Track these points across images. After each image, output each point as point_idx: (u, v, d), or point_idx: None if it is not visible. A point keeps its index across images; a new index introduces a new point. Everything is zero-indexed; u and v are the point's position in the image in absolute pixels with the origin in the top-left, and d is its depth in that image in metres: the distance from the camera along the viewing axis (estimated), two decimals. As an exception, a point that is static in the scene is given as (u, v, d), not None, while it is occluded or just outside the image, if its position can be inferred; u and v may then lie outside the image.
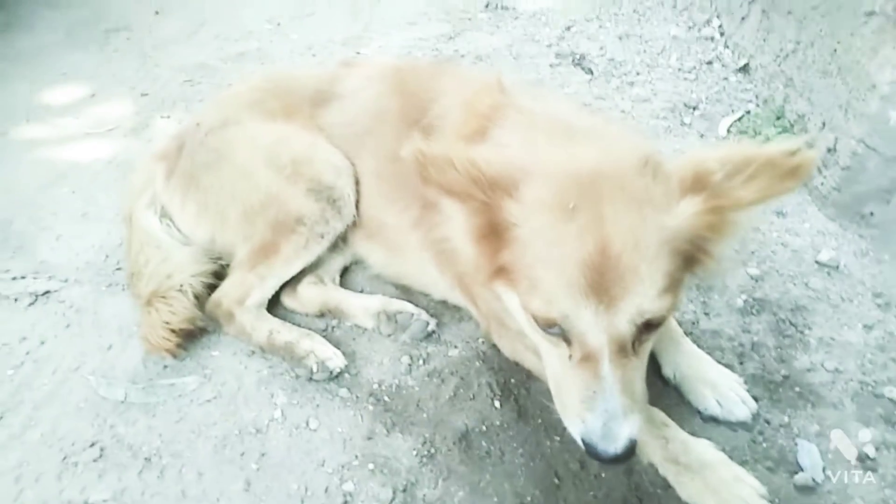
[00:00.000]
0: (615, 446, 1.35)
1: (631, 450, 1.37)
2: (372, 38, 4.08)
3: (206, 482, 1.75)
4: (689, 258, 1.40)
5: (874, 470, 1.72)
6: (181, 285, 2.13)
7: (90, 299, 2.29)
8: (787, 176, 1.30)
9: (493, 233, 1.45)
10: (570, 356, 1.42)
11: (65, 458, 1.81)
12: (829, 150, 2.50)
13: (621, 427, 1.35)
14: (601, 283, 1.31)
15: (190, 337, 2.11)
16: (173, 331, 2.05)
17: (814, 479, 1.70)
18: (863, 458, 1.75)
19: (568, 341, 1.41)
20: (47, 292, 2.31)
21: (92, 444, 1.84)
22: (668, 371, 1.92)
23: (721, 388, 1.85)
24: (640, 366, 1.45)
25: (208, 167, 2.20)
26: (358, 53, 3.93)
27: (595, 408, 1.37)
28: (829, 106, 2.54)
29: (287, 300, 2.26)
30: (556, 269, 1.35)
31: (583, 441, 1.41)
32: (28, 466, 1.79)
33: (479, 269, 1.57)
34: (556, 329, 1.41)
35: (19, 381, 2.02)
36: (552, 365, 1.52)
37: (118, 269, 2.41)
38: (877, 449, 1.76)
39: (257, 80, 2.50)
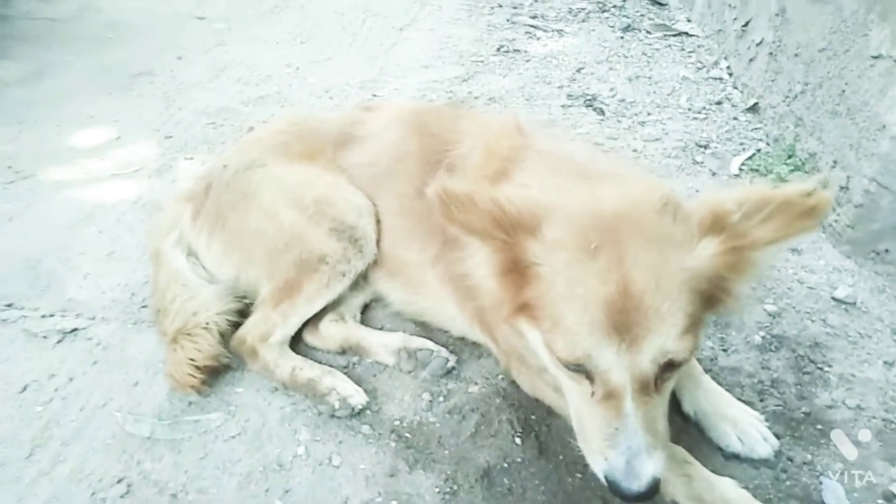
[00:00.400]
0: (639, 483, 1.36)
1: (655, 487, 1.38)
2: (387, 81, 4.19)
3: (232, 519, 1.76)
4: (709, 298, 1.42)
5: (901, 509, 1.72)
6: (206, 323, 2.17)
7: (117, 336, 2.33)
8: (804, 216, 1.33)
9: (516, 270, 1.48)
10: (593, 393, 1.44)
11: (93, 494, 1.82)
12: (841, 189, 2.54)
13: (644, 464, 1.37)
14: (624, 323, 1.33)
15: (214, 374, 2.14)
16: (198, 367, 2.08)
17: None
18: (889, 498, 1.74)
19: (590, 378, 1.43)
20: (75, 330, 2.36)
21: (119, 481, 1.85)
22: (688, 408, 1.92)
23: (742, 425, 1.86)
24: (661, 404, 1.46)
25: (234, 207, 2.26)
26: (374, 96, 4.04)
27: (618, 445, 1.38)
28: (839, 145, 2.59)
29: (309, 337, 2.29)
30: (578, 308, 1.38)
31: (606, 478, 1.42)
32: (57, 502, 1.81)
33: (500, 306, 1.60)
34: (578, 367, 1.43)
35: (48, 417, 2.05)
36: (574, 401, 1.53)
37: (143, 306, 2.46)
38: (903, 487, 1.76)
39: (281, 123, 2.59)
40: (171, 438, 1.97)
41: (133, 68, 4.44)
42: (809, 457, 1.85)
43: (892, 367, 2.08)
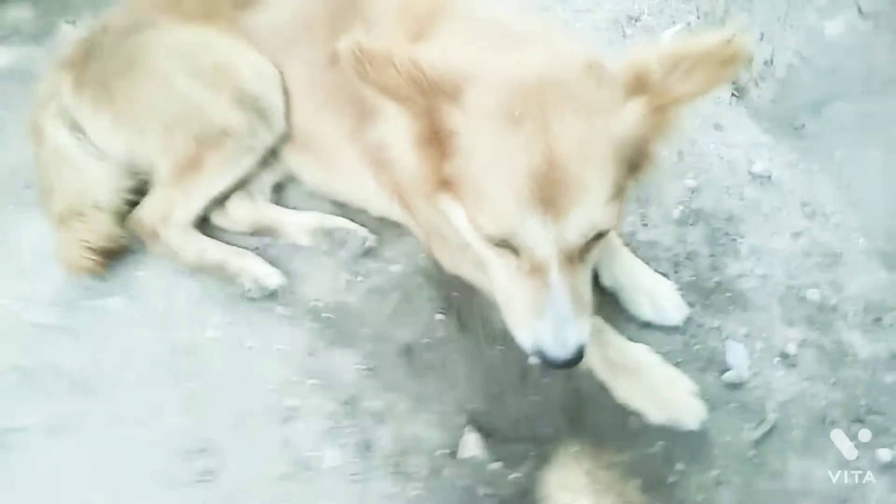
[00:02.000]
0: (566, 351, 1.37)
1: (580, 354, 1.39)
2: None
3: (141, 404, 1.71)
4: (633, 163, 1.39)
5: (794, 366, 1.84)
6: (98, 202, 2.00)
7: (1, 221, 2.13)
8: (723, 65, 1.29)
9: (436, 141, 1.39)
10: (519, 267, 1.41)
11: (-13, 384, 1.71)
12: (765, 63, 2.52)
13: (570, 333, 1.37)
14: (549, 196, 1.28)
15: (111, 256, 2.00)
16: (92, 249, 1.94)
17: (740, 377, 1.80)
18: (785, 356, 1.86)
19: (516, 252, 1.39)
20: (-49, 215, 2.13)
21: (14, 369, 1.74)
22: (606, 280, 1.94)
23: (656, 296, 1.91)
24: (586, 273, 1.46)
25: (121, 75, 2.02)
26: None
27: (545, 315, 1.38)
28: (767, 18, 2.54)
29: (217, 218, 2.15)
30: (502, 182, 1.32)
31: (533, 348, 1.42)
32: (-56, 394, 1.69)
33: (420, 180, 1.51)
34: (504, 242, 1.38)
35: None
36: (499, 277, 1.50)
37: (27, 187, 2.23)
38: (798, 347, 1.87)
39: (173, -23, 2.28)
40: (68, 325, 1.86)
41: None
42: (717, 323, 1.93)
43: (799, 238, 2.16)
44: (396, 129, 1.46)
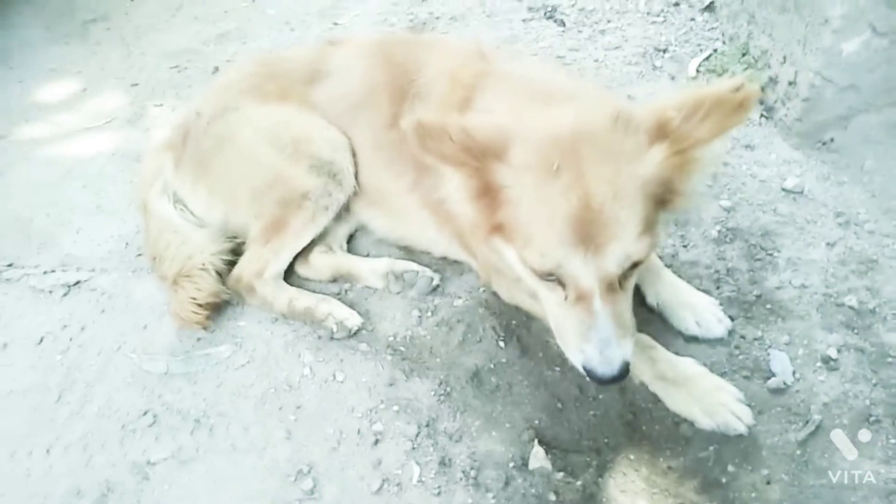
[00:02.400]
0: (612, 368, 1.58)
1: (625, 370, 1.60)
2: (347, 8, 4.15)
3: (252, 435, 1.98)
4: (662, 199, 1.59)
5: (836, 370, 1.96)
6: (203, 264, 2.31)
7: (119, 285, 2.48)
8: (735, 110, 1.47)
9: (488, 193, 1.63)
10: (566, 297, 1.62)
11: (123, 427, 2.03)
12: (790, 84, 2.67)
13: (615, 352, 1.58)
14: (588, 234, 1.50)
15: (216, 309, 2.30)
16: (200, 305, 2.24)
17: (784, 383, 1.94)
18: (826, 360, 1.99)
19: (563, 285, 1.61)
20: (78, 282, 2.49)
21: (145, 413, 2.06)
22: (651, 300, 2.13)
23: (699, 311, 2.07)
24: (626, 298, 1.66)
25: (214, 153, 2.35)
26: (335, 24, 4.01)
27: (591, 339, 1.59)
28: (788, 41, 2.70)
29: (301, 269, 2.45)
30: (546, 224, 1.54)
31: (584, 368, 1.63)
32: (92, 436, 2.02)
33: (477, 227, 1.76)
34: (551, 276, 1.61)
35: (69, 364, 2.22)
36: (550, 307, 1.72)
37: (139, 255, 2.58)
38: (839, 351, 2.00)
39: (250, 65, 2.62)
40: (185, 372, 2.16)
41: (85, 14, 4.36)
42: (759, 333, 2.08)
43: (834, 248, 2.29)
44: (454, 187, 1.72)
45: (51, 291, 2.47)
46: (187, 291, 2.25)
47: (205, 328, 2.25)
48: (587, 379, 1.65)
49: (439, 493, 1.81)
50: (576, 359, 1.66)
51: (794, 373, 1.97)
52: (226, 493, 1.86)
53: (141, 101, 3.50)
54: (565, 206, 1.50)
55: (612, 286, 1.58)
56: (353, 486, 1.84)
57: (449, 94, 2.04)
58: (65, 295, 2.46)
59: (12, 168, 3.10)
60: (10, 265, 2.59)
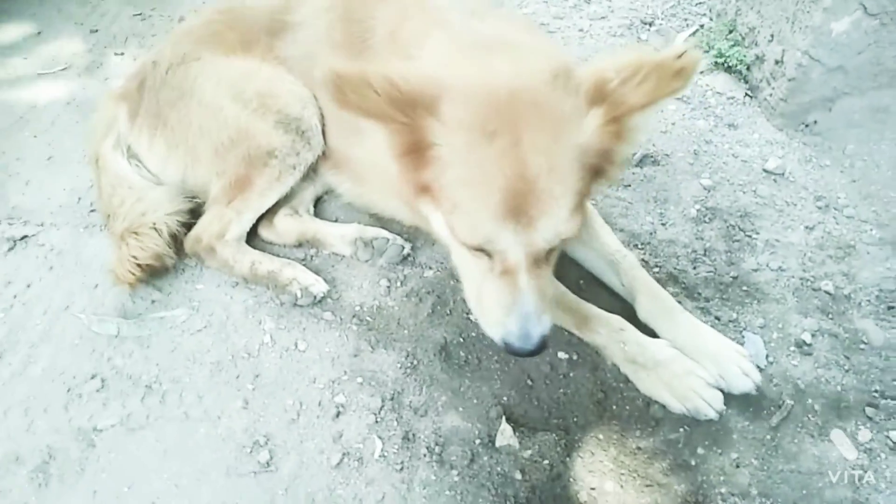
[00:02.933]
0: (531, 343, 1.51)
1: (544, 343, 1.54)
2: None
3: (207, 403, 1.88)
4: (595, 170, 1.50)
5: (809, 354, 1.94)
6: (154, 223, 2.18)
7: (69, 241, 2.33)
8: (674, 77, 1.37)
9: (416, 150, 1.48)
10: (491, 269, 1.53)
11: (69, 391, 1.91)
12: (776, 63, 2.61)
13: (535, 328, 1.51)
14: (521, 207, 1.40)
15: (154, 273, 2.17)
16: (139, 265, 2.11)
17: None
18: (800, 345, 1.96)
19: (489, 256, 1.52)
20: (25, 237, 2.34)
21: (93, 377, 1.94)
22: (666, 336, 1.90)
23: (722, 361, 1.82)
24: (549, 273, 1.62)
25: (173, 105, 2.21)
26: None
27: (514, 313, 1.51)
28: (777, 18, 2.63)
29: (264, 232, 2.33)
30: (478, 193, 1.43)
31: (503, 342, 1.55)
32: (35, 400, 1.90)
33: (404, 188, 1.63)
34: (478, 248, 1.51)
35: (11, 322, 2.09)
36: (473, 277, 1.62)
37: (93, 210, 2.44)
38: (812, 336, 1.98)
39: (212, 12, 2.46)
40: (137, 335, 2.04)
41: (44, -46, 4.07)
42: (735, 315, 2.04)
43: (812, 231, 2.25)
44: (378, 143, 1.56)
45: (-5, 245, 2.32)
46: (130, 249, 2.12)
47: (132, 288, 2.12)
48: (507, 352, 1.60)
49: (401, 469, 1.75)
50: (494, 332, 1.58)
51: (767, 356, 1.94)
52: (176, 463, 1.77)
53: (100, 48, 3.30)
54: (499, 175, 1.39)
55: (539, 261, 1.51)
56: (311, 460, 1.76)
57: (388, 53, 1.89)
58: (10, 249, 2.31)
59: (-44, 113, 2.90)
60: (-50, 216, 2.43)
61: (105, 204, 2.26)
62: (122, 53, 3.25)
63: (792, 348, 1.96)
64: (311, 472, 1.74)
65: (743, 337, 1.98)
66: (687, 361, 1.83)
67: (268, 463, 1.76)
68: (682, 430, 1.80)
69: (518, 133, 1.39)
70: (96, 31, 3.42)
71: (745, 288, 2.12)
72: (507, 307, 1.52)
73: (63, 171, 2.62)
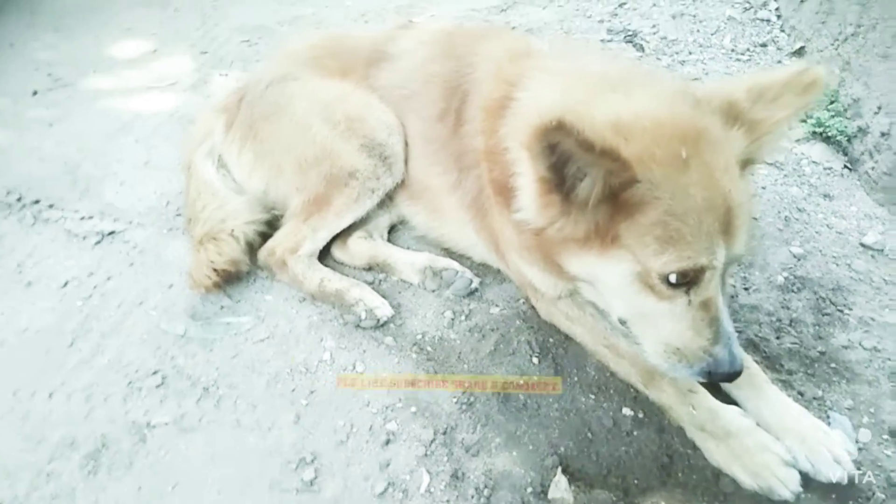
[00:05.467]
0: (738, 363, 1.53)
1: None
2: (425, 7, 4.12)
3: (259, 413, 1.87)
4: None
5: (906, 445, 1.76)
6: (233, 230, 2.23)
7: (152, 241, 2.42)
8: (805, 91, 1.45)
9: (609, 199, 1.44)
10: (690, 302, 1.51)
11: (130, 384, 1.95)
12: (882, 135, 2.48)
13: (737, 346, 1.54)
14: (728, 224, 1.44)
15: (230, 279, 2.21)
16: (216, 270, 2.15)
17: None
18: (894, 433, 1.78)
19: (688, 290, 1.50)
20: (112, 232, 2.45)
21: (154, 373, 1.97)
22: (750, 413, 1.75)
23: (811, 443, 1.65)
24: None
25: (266, 119, 2.29)
26: (410, 21, 3.96)
27: (720, 340, 1.52)
28: (886, 90, 2.51)
29: (337, 252, 2.35)
30: (694, 219, 1.42)
31: (708, 372, 1.54)
32: (97, 388, 1.94)
33: (558, 244, 1.59)
34: (684, 278, 1.47)
35: (87, 311, 2.16)
36: (662, 325, 1.56)
37: (178, 215, 2.53)
38: (909, 426, 1.79)
39: (316, 38, 2.57)
40: (203, 337, 2.07)
41: (169, -18, 4.42)
42: (820, 393, 1.88)
43: (913, 314, 2.08)
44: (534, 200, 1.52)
45: (84, 237, 2.43)
46: (208, 253, 2.17)
47: (207, 292, 2.16)
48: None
49: (446, 508, 1.67)
50: (695, 369, 1.56)
51: (856, 441, 1.76)
52: (222, 469, 1.75)
53: (207, 68, 3.50)
54: (706, 199, 1.42)
55: (723, 281, 1.54)
56: (355, 485, 1.71)
57: (490, 93, 1.89)
58: (97, 243, 2.42)
59: (72, 115, 3.11)
60: (51, 206, 2.57)
61: (190, 208, 2.35)
62: (227, 75, 3.43)
63: (885, 436, 1.78)
64: (353, 498, 1.69)
65: (829, 418, 1.82)
66: (762, 434, 1.68)
67: (312, 482, 1.71)
68: (754, 510, 1.65)
69: (702, 157, 1.43)
70: (206, 52, 3.64)
71: (833, 365, 1.96)
72: (711, 336, 1.52)
73: (157, 175, 2.75)
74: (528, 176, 1.49)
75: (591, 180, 1.39)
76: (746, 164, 1.55)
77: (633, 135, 1.41)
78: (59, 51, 3.58)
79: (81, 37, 3.73)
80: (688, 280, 1.48)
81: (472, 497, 1.68)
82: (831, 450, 1.64)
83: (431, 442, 1.79)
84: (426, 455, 1.77)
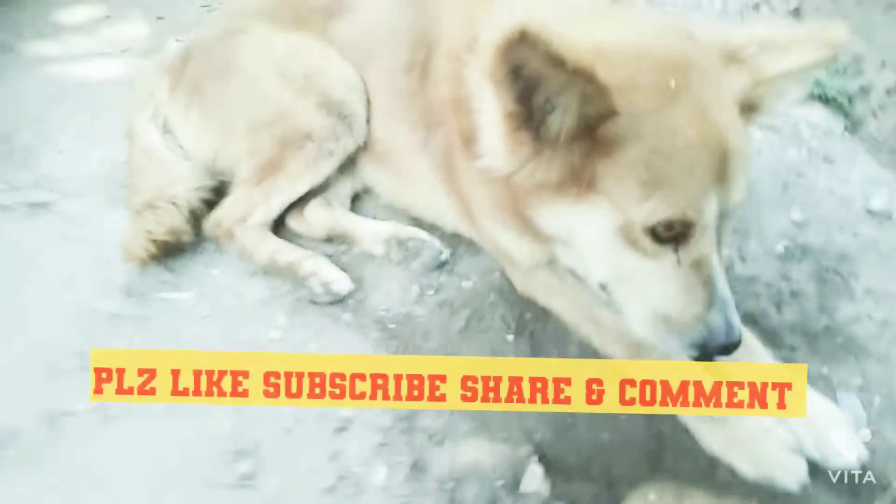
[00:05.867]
0: (736, 334, 1.32)
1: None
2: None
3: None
4: None
5: (923, 427, 1.57)
6: (175, 198, 2.02)
7: (89, 213, 2.20)
8: (822, 46, 1.33)
9: (583, 134, 1.22)
10: (679, 261, 1.30)
11: (49, 367, 1.73)
12: (887, 92, 2.31)
13: (734, 314, 1.32)
14: (723, 167, 1.24)
15: (168, 251, 2.00)
16: (154, 241, 1.95)
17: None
18: (910, 408, 1.60)
19: (677, 246, 1.29)
20: (45, 203, 2.22)
21: (80, 355, 1.75)
22: None
23: (819, 427, 1.47)
24: None
25: (214, 77, 2.08)
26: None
27: (716, 305, 1.31)
28: (890, 44, 2.33)
29: (293, 223, 2.14)
30: (683, 159, 1.22)
31: (703, 344, 1.33)
32: (12, 372, 1.72)
33: (538, 190, 1.35)
34: (667, 235, 1.27)
35: (10, 288, 1.94)
36: (649, 288, 1.35)
37: (121, 186, 2.29)
38: (925, 406, 1.61)
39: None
40: (138, 315, 1.87)
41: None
42: (826, 370, 1.70)
43: (926, 283, 1.90)
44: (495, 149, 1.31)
45: (13, 209, 2.20)
46: (145, 223, 1.96)
47: (142, 265, 1.96)
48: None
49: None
50: (686, 339, 1.33)
51: (867, 423, 1.58)
52: (145, 464, 1.55)
53: (163, 34, 3.25)
54: (698, 137, 1.21)
55: (718, 238, 1.34)
56: (300, 479, 1.51)
57: (456, 37, 1.64)
58: (28, 215, 2.19)
59: (8, 81, 2.87)
60: (-21, 176, 2.34)
61: (130, 176, 2.13)
62: (183, 40, 3.17)
63: (900, 416, 1.60)
64: (297, 495, 1.49)
65: (836, 397, 1.63)
66: (764, 418, 1.48)
67: (250, 476, 1.51)
68: (754, 501, 1.46)
69: (693, 91, 1.23)
70: (162, 18, 3.40)
71: (839, 340, 1.77)
72: (706, 301, 1.31)
73: (101, 144, 2.51)
74: (492, 112, 1.26)
75: (562, 109, 1.18)
76: (745, 111, 1.35)
77: (613, 61, 1.18)
78: (1, 16, 3.33)
79: (26, 1, 3.47)
80: (677, 234, 1.26)
81: (435, 491, 1.49)
82: (841, 433, 1.45)
83: (390, 429, 1.60)
84: (383, 444, 1.58)
